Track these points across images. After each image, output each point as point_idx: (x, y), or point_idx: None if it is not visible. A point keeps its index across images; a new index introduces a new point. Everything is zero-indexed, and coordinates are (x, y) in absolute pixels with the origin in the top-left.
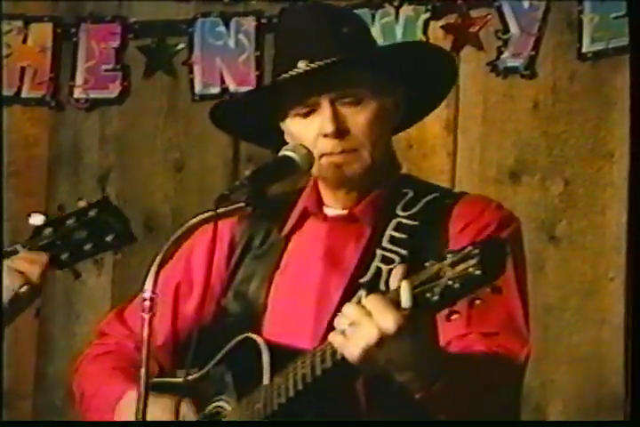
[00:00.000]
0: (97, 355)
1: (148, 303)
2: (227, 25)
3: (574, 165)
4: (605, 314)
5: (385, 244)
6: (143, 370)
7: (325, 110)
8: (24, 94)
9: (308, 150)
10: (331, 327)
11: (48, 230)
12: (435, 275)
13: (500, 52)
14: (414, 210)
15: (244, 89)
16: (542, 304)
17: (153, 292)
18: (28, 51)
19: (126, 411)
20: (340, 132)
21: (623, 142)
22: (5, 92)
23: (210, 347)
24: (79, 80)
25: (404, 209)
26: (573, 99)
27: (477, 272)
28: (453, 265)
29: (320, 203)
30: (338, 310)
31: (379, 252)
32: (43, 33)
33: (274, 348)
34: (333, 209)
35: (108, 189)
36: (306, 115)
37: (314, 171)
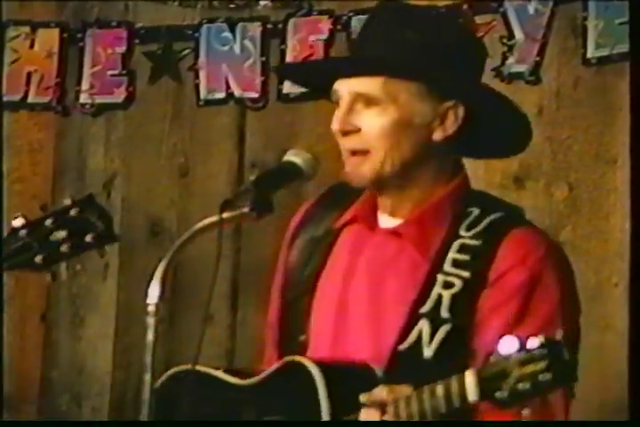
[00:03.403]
0: None
1: (153, 308)
2: (232, 30)
3: (578, 171)
4: (609, 320)
5: (447, 268)
6: (148, 376)
7: (343, 105)
8: (30, 99)
9: (313, 155)
10: (394, 361)
11: (23, 232)
12: (501, 372)
13: (504, 58)
14: (478, 229)
15: (249, 95)
16: None
17: (158, 297)
18: (34, 56)
19: None
20: (345, 131)
21: (627, 148)
22: (12, 98)
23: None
24: (85, 85)
25: (468, 229)
26: (577, 104)
27: (547, 377)
28: (522, 364)
29: (374, 209)
30: (400, 340)
31: (440, 277)
32: (49, 38)
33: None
34: (385, 216)
35: (113, 194)
36: (336, 101)
37: None
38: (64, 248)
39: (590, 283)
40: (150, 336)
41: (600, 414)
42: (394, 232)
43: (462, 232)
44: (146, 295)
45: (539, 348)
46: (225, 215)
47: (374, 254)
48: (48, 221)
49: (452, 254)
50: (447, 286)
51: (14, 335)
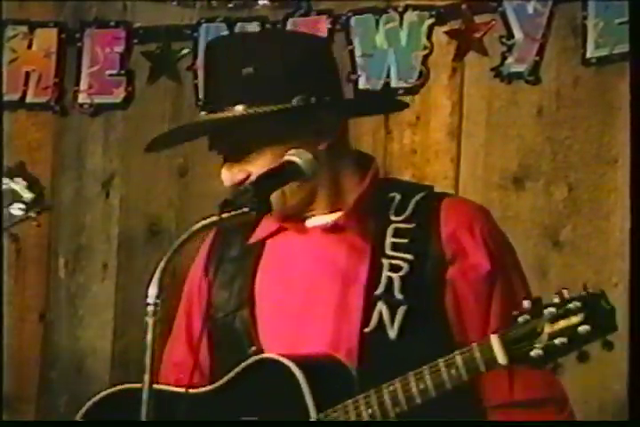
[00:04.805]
0: None
1: (152, 308)
2: (231, 30)
3: (578, 171)
4: None
5: (388, 251)
6: (147, 376)
7: (223, 166)
8: (29, 99)
9: (313, 156)
10: (362, 345)
11: None
12: (532, 331)
13: (504, 58)
14: (407, 213)
15: None
16: None
17: (157, 297)
18: (32, 56)
19: None
20: (239, 182)
21: (627, 148)
22: (10, 97)
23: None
24: (83, 85)
25: (396, 214)
26: (577, 104)
27: (587, 328)
28: (553, 320)
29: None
30: (363, 325)
31: (385, 261)
32: (47, 38)
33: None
34: (313, 215)
35: (111, 193)
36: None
37: None
38: None
39: (590, 283)
40: (149, 336)
41: (600, 414)
42: (333, 226)
43: (392, 217)
44: (145, 295)
45: (571, 301)
46: (224, 215)
47: (319, 252)
48: None
49: (389, 239)
50: (395, 269)
51: (13, 335)
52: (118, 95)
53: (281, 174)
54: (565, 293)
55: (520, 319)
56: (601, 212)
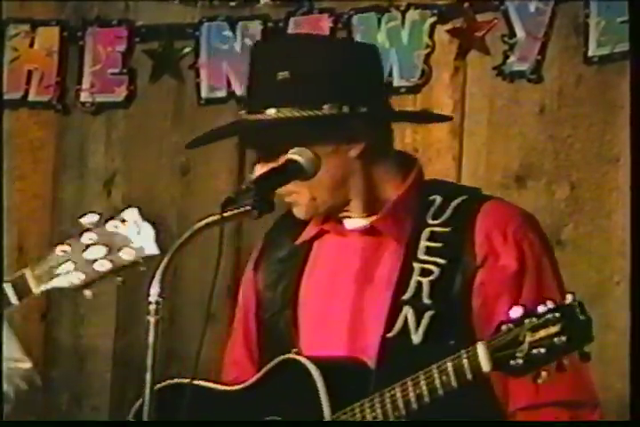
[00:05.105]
0: None
1: (154, 307)
2: (233, 29)
3: (580, 170)
4: (610, 318)
5: (421, 256)
6: (149, 375)
7: (256, 164)
8: (31, 98)
9: (315, 154)
10: (384, 349)
11: (61, 248)
12: (514, 340)
13: (506, 57)
14: (445, 216)
15: None
16: None
17: (159, 295)
18: (34, 54)
19: None
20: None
21: (628, 146)
22: (12, 96)
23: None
24: (85, 84)
25: (434, 217)
26: (579, 103)
27: (563, 339)
28: (534, 330)
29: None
30: (388, 328)
31: (416, 265)
32: (49, 37)
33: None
34: (350, 217)
35: (113, 192)
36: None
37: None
38: (99, 266)
39: (592, 281)
40: (151, 335)
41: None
42: (371, 228)
43: (429, 220)
44: (147, 294)
45: (550, 312)
46: (226, 214)
47: (355, 254)
48: (85, 237)
49: (423, 242)
50: (425, 273)
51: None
52: (120, 94)
53: (283, 173)
54: (549, 303)
55: (503, 327)
56: (603, 210)
